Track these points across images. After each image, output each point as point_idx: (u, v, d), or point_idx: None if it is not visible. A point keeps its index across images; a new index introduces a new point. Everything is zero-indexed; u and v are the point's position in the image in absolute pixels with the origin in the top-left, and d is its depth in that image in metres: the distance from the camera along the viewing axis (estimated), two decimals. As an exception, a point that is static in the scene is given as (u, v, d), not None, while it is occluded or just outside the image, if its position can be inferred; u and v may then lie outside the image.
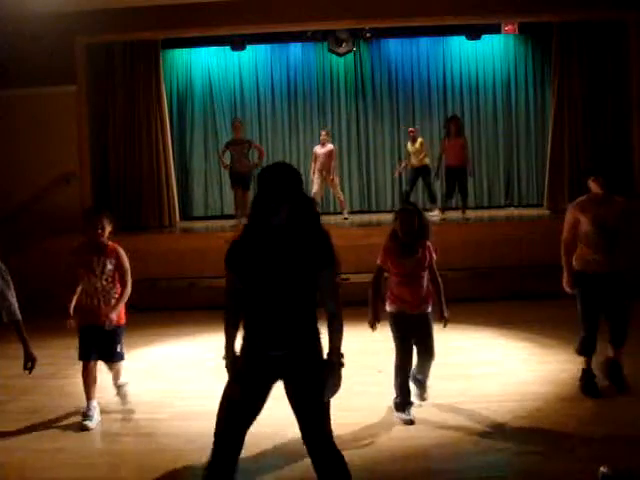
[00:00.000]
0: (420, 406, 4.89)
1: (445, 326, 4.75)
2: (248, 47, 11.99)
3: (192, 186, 12.64)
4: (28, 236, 9.15)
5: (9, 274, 4.13)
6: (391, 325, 4.75)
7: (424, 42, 12.60)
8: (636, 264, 5.43)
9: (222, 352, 3.11)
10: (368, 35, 11.75)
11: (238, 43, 11.72)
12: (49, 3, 9.02)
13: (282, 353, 2.96)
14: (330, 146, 11.11)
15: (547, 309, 7.52)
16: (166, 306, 8.53)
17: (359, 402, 5.01)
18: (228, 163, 10.77)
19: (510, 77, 12.56)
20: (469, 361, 6.11)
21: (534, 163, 12.44)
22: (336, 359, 3.01)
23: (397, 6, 9.91)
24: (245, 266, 2.96)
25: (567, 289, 5.15)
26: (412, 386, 4.88)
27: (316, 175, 11.04)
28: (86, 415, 4.82)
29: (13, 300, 4.10)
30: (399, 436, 4.51)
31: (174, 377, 6.02)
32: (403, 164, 11.63)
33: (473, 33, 11.75)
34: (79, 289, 4.89)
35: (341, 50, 11.88)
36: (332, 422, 3.10)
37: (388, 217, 11.63)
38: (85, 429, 4.74)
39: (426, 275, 4.72)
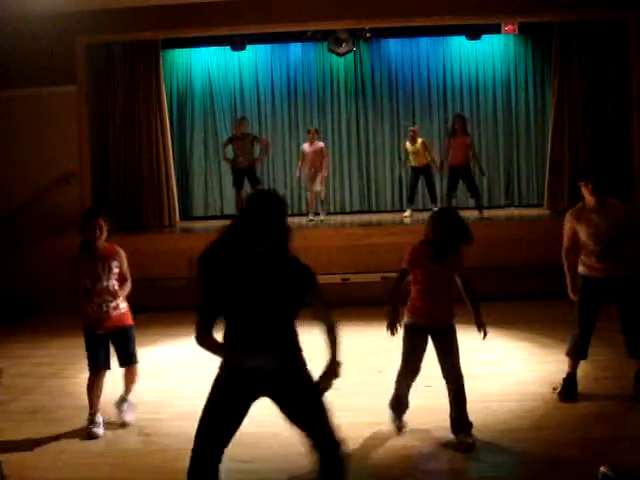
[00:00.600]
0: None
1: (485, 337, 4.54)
2: (248, 47, 11.96)
3: (192, 186, 12.63)
4: (28, 236, 9.14)
5: None
6: (404, 337, 4.40)
7: (424, 42, 12.58)
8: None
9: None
10: (368, 35, 11.73)
11: (238, 43, 11.70)
12: (49, 3, 9.01)
13: (266, 369, 2.98)
14: (320, 144, 11.10)
15: (547, 309, 7.53)
16: (166, 306, 8.53)
17: (359, 402, 5.02)
18: (230, 157, 10.79)
19: (510, 77, 12.55)
20: (469, 361, 6.02)
21: (534, 163, 12.43)
22: (337, 360, 3.08)
23: (397, 6, 9.90)
24: (228, 285, 2.98)
25: (572, 296, 5.08)
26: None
27: (304, 173, 11.05)
28: (93, 422, 4.72)
29: None
30: (398, 436, 4.51)
31: (174, 377, 6.02)
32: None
33: (473, 33, 11.73)
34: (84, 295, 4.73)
35: (341, 50, 11.86)
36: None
37: (388, 217, 11.70)
38: (94, 437, 4.65)
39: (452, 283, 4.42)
